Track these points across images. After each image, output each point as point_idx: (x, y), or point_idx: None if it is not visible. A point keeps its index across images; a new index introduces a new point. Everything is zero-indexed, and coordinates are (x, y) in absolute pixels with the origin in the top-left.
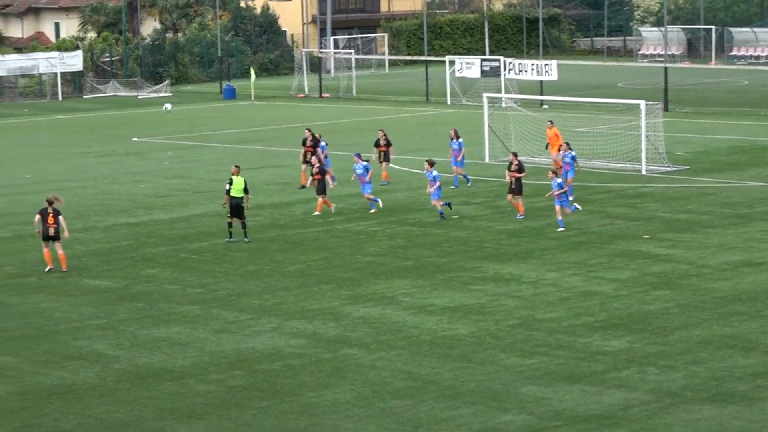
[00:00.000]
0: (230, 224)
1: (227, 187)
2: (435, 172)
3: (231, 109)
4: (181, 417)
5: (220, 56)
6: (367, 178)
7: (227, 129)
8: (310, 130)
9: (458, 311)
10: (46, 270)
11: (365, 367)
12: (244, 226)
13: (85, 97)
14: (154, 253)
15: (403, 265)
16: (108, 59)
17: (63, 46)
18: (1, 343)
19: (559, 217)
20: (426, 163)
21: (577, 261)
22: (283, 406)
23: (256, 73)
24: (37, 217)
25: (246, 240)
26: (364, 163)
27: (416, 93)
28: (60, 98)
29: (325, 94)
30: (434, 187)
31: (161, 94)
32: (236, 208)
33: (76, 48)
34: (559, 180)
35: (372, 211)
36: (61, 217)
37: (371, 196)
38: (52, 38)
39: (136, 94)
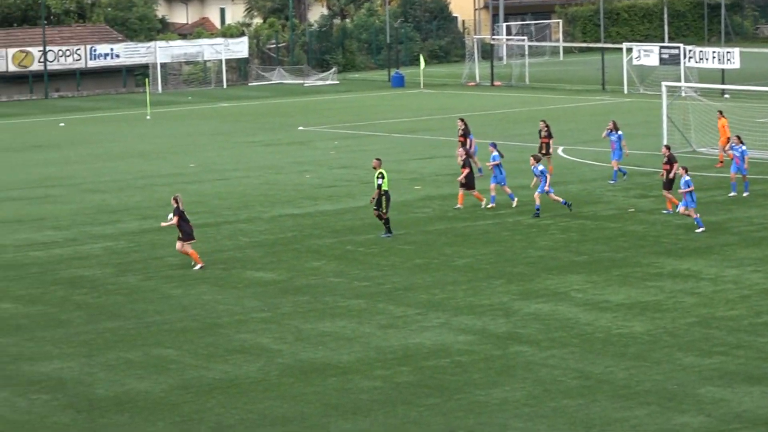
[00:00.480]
0: (379, 218)
1: (379, 181)
2: (541, 167)
3: (399, 97)
4: (346, 414)
5: (388, 43)
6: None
7: (395, 118)
8: (462, 120)
9: (633, 308)
10: (195, 267)
11: (536, 365)
12: (384, 221)
13: (250, 84)
14: (319, 245)
15: (577, 260)
16: (274, 46)
17: (228, 33)
18: (163, 336)
19: (696, 216)
20: (531, 158)
21: (759, 257)
22: (451, 404)
23: (425, 61)
24: (176, 218)
25: (382, 235)
26: (494, 153)
27: (591, 81)
28: (224, 86)
29: (496, 83)
30: (541, 182)
31: (328, 82)
32: (380, 202)
33: (242, 34)
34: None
35: (491, 205)
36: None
37: (508, 189)
38: (217, 24)
39: (302, 81)
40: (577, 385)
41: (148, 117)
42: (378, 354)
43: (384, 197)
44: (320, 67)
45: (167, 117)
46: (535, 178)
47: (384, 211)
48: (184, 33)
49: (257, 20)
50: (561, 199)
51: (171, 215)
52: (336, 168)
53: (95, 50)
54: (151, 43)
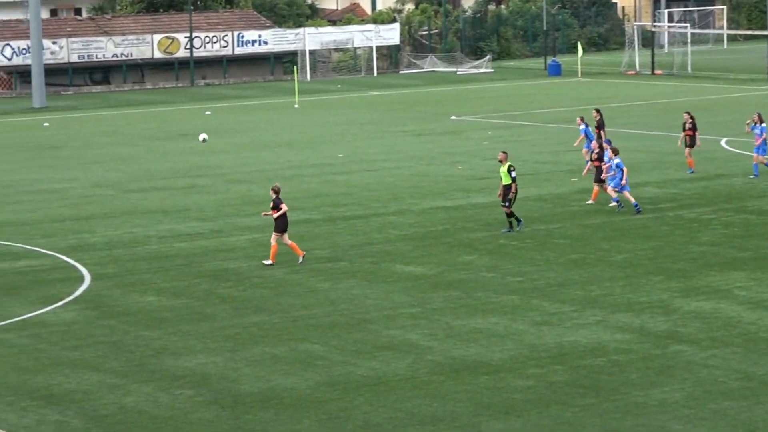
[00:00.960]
0: (508, 213)
1: (513, 174)
2: (617, 160)
3: (555, 86)
4: (498, 413)
5: (545, 30)
6: (613, 172)
7: (551, 107)
8: (598, 111)
9: None
10: (266, 262)
11: (696, 365)
12: (513, 216)
13: (401, 72)
14: (471, 238)
15: (740, 256)
16: (426, 33)
17: (379, 19)
18: (310, 331)
19: None
20: (609, 150)
21: None
22: (607, 405)
23: (583, 48)
24: (285, 207)
25: (503, 231)
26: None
27: (757, 71)
28: (375, 73)
29: (657, 71)
30: (617, 177)
31: (482, 70)
32: (504, 196)
33: (393, 20)
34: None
35: (611, 204)
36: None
37: (614, 192)
38: (368, 10)
39: (455, 69)
40: (740, 387)
41: (296, 105)
42: (531, 352)
43: (514, 192)
44: (474, 55)
45: (315, 106)
46: (607, 170)
47: (510, 204)
48: (334, 19)
49: (409, 6)
50: (633, 200)
51: (276, 206)
52: (489, 159)
53: (242, 37)
54: (300, 30)
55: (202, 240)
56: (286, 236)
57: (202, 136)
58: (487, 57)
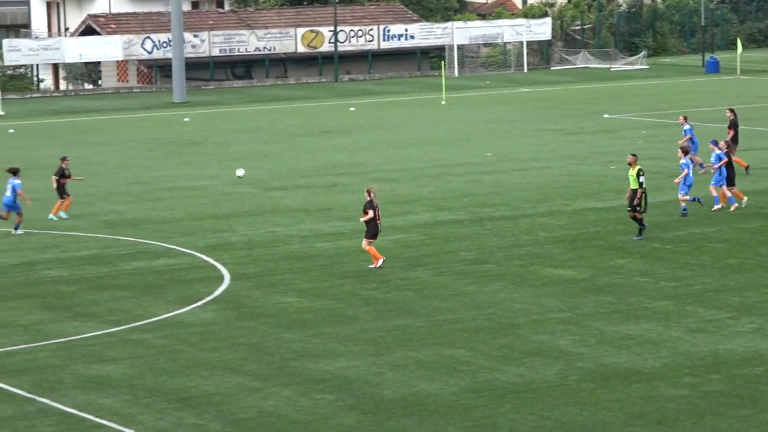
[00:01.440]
0: (634, 218)
1: (641, 179)
2: (683, 160)
3: (713, 84)
4: (650, 423)
5: (703, 25)
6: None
7: (709, 106)
8: (732, 110)
9: None
10: (371, 267)
11: None
12: (637, 218)
13: (552, 68)
14: (624, 241)
15: None
16: (579, 27)
17: (530, 13)
18: (455, 335)
19: None
20: (679, 150)
21: None
22: (764, 416)
23: (742, 45)
24: (371, 212)
25: (636, 237)
26: (718, 152)
27: None
28: (525, 69)
29: None
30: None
31: (636, 67)
32: (636, 201)
33: (545, 15)
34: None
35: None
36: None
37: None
38: (519, 4)
39: (608, 66)
40: None
41: (443, 102)
42: (686, 360)
43: (644, 196)
44: (628, 51)
45: (463, 102)
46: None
47: (642, 210)
48: (483, 13)
49: (561, 0)
50: (685, 202)
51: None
52: (643, 159)
53: (389, 31)
54: (448, 24)
55: (344, 240)
56: (365, 242)
57: (240, 172)
58: (642, 53)
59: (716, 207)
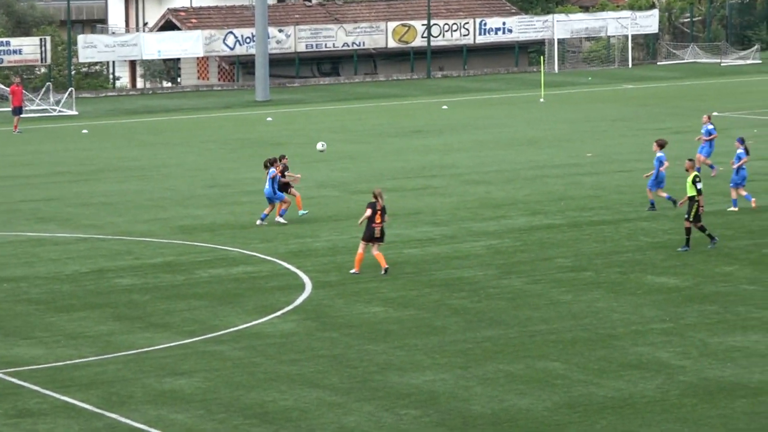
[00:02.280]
0: (688, 229)
1: (698, 185)
2: (660, 153)
3: None
4: None
5: None
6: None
7: None
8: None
9: None
10: (351, 272)
11: None
12: (701, 229)
13: (658, 63)
14: (732, 247)
15: None
16: (687, 20)
17: (636, 5)
18: (549, 347)
19: None
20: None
21: None
22: None
23: None
24: (369, 211)
25: (680, 249)
26: (740, 151)
27: None
28: (630, 65)
29: None
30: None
31: (749, 61)
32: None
33: (652, 7)
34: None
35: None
36: (386, 216)
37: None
38: None
39: (718, 60)
40: None
41: (542, 100)
42: None
43: (696, 204)
44: (740, 45)
45: (563, 100)
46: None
47: (691, 219)
48: (586, 5)
49: None
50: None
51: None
52: (754, 160)
53: (485, 24)
54: (549, 17)
55: (433, 246)
56: (374, 247)
57: (321, 146)
58: (756, 47)
59: (732, 209)
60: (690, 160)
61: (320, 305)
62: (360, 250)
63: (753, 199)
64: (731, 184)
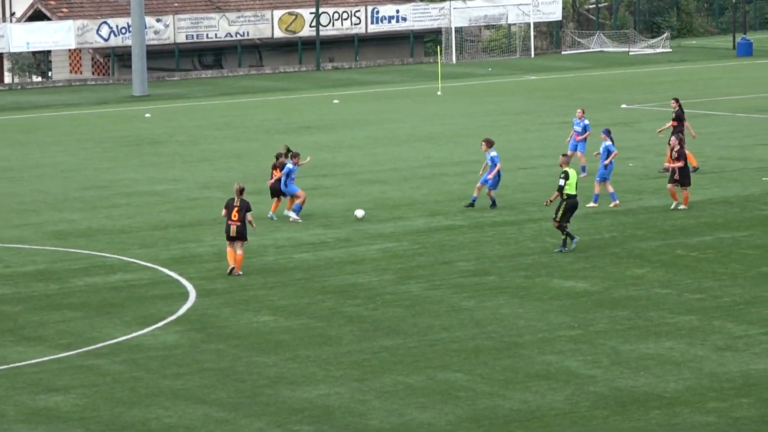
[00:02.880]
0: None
1: (561, 182)
2: (493, 153)
3: (746, 68)
4: None
5: (734, 2)
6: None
7: (741, 94)
8: (677, 100)
9: None
10: (227, 271)
11: None
12: (561, 228)
13: (563, 53)
14: (643, 248)
15: None
16: (594, 6)
17: None
18: (451, 357)
19: None
20: (483, 143)
21: None
22: None
23: None
24: (224, 211)
25: (557, 250)
26: (606, 143)
27: None
28: (532, 54)
29: None
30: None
31: (658, 50)
32: (571, 210)
33: None
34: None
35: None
36: (249, 214)
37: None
38: None
39: (626, 49)
40: None
41: (439, 93)
42: (712, 382)
43: (565, 203)
44: (649, 32)
45: (462, 92)
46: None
47: (558, 219)
48: None
49: None
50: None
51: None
52: (665, 155)
53: (377, 12)
54: (445, 4)
55: (326, 250)
56: (237, 246)
57: (360, 213)
58: (665, 35)
59: (592, 205)
60: (564, 155)
61: (205, 315)
62: (229, 248)
63: (616, 202)
64: (597, 179)
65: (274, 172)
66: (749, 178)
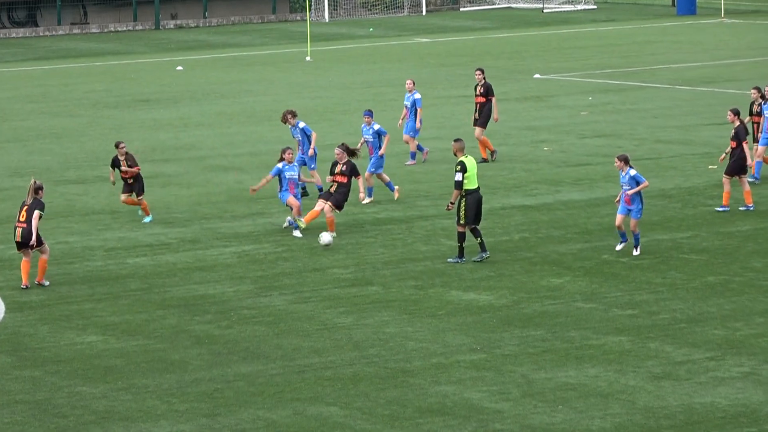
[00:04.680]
0: (462, 235)
1: (458, 176)
2: (377, 126)
3: (688, 30)
4: None
5: None
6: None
7: (682, 61)
8: (482, 71)
9: None
10: (22, 287)
11: None
12: (474, 232)
13: (462, 9)
14: (562, 252)
15: None
16: None
17: None
18: (324, 387)
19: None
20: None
21: None
22: None
23: None
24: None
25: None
26: (377, 127)
27: None
28: (424, 11)
29: None
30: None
31: (580, 7)
32: (476, 206)
33: None
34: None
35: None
36: (36, 214)
37: (386, 178)
38: None
39: (540, 6)
40: None
41: (308, 58)
42: (647, 419)
43: (465, 200)
44: None
45: (336, 58)
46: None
47: (462, 222)
48: None
49: None
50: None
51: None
52: (589, 137)
53: None
54: None
55: (168, 254)
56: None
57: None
58: None
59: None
60: (457, 140)
61: (17, 334)
62: (24, 257)
63: (397, 188)
64: (371, 169)
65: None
66: (692, 167)
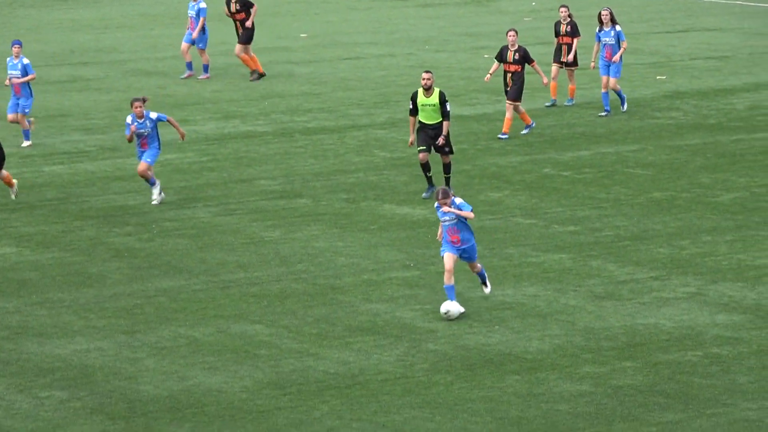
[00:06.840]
0: (425, 166)
1: (411, 105)
2: None
3: None
4: None
5: None
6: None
7: None
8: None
9: None
10: None
11: None
12: (446, 170)
13: None
14: (501, 165)
15: None
16: None
17: None
18: (249, 304)
19: None
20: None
21: None
22: (701, 423)
23: None
24: None
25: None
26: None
27: None
28: None
29: None
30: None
31: None
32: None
33: None
34: None
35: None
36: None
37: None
38: None
39: None
40: None
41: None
42: (587, 341)
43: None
44: None
45: None
46: None
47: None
48: None
49: None
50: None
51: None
52: (532, 44)
53: None
54: None
55: (86, 162)
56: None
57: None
58: None
59: None
60: (428, 72)
61: None
62: None
63: None
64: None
65: None
66: (640, 77)
